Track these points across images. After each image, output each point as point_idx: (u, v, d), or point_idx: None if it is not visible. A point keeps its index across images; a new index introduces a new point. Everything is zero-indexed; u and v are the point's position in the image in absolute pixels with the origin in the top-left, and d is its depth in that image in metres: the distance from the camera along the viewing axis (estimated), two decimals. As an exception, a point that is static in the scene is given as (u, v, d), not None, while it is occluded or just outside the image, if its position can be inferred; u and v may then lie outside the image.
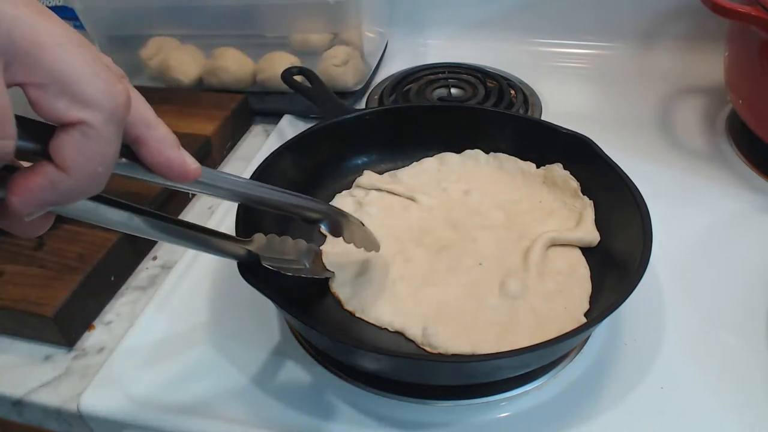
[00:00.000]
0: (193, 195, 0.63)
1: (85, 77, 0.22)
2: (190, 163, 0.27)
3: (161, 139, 0.26)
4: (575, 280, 0.47)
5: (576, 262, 0.49)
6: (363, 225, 0.46)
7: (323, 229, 0.43)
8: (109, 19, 0.75)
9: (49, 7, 0.82)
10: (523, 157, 0.57)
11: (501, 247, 0.50)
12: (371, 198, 0.56)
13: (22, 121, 0.22)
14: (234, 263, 0.41)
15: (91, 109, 0.22)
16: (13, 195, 0.22)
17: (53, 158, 0.22)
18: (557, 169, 0.54)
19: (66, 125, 0.22)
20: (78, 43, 0.22)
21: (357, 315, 0.46)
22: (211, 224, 0.58)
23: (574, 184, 0.53)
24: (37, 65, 0.21)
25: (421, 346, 0.43)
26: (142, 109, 0.25)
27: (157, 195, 0.56)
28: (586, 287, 0.47)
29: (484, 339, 0.43)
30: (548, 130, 0.56)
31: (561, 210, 0.53)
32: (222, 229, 0.57)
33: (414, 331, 0.44)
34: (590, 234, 0.50)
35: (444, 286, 0.47)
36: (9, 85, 0.21)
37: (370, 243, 0.46)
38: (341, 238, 0.44)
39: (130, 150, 0.27)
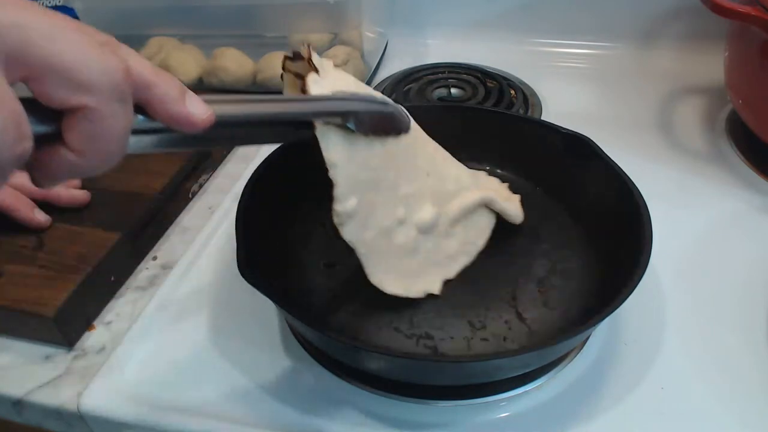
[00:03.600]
0: (194, 194, 0.63)
1: (78, 63, 0.22)
2: (197, 113, 0.27)
3: (162, 97, 0.25)
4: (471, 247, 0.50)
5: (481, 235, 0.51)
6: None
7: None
8: (109, 19, 0.75)
9: (49, 7, 0.82)
10: (524, 157, 0.57)
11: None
12: None
13: (34, 106, 0.22)
14: (234, 263, 0.41)
15: (90, 92, 0.22)
16: (36, 172, 0.23)
17: (66, 143, 0.23)
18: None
19: (70, 111, 0.23)
20: (68, 29, 0.22)
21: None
22: (210, 224, 0.58)
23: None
24: (31, 60, 0.21)
25: None
26: (139, 71, 0.25)
27: (155, 195, 0.56)
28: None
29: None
30: (548, 130, 0.56)
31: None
32: (222, 228, 0.58)
33: None
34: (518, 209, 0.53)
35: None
36: (12, 83, 0.21)
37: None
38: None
39: None
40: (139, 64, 0.25)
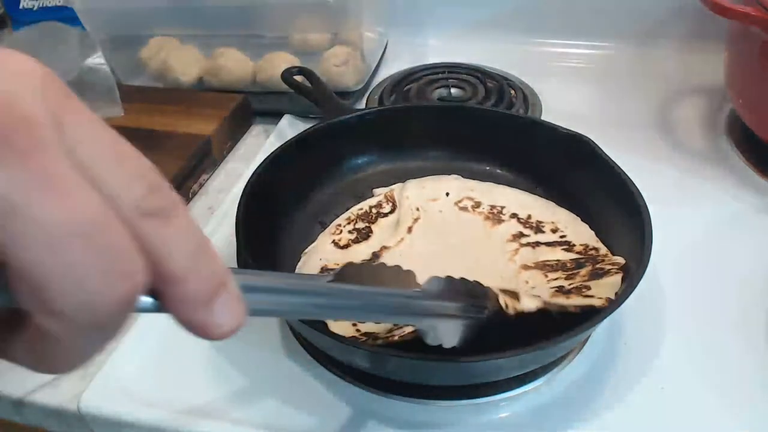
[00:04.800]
0: (194, 194, 0.63)
1: (65, 290, 0.16)
2: (221, 322, 0.20)
3: (184, 299, 0.19)
4: None
5: None
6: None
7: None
8: (109, 19, 0.75)
9: (49, 7, 0.81)
10: (524, 157, 0.57)
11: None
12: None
13: None
14: (234, 263, 0.41)
15: (64, 322, 0.17)
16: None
17: (27, 340, 0.19)
18: None
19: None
20: (86, 234, 0.16)
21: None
22: (210, 224, 0.58)
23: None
24: (13, 258, 0.16)
25: None
26: (172, 259, 0.18)
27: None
28: None
29: None
30: (548, 130, 0.56)
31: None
32: (223, 229, 0.57)
33: None
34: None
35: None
36: None
37: None
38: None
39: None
40: (178, 248, 0.18)
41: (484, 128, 0.59)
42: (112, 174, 0.17)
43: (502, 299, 0.37)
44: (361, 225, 0.53)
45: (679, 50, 0.80)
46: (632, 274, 0.42)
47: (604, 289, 0.44)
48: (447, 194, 0.56)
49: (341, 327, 0.43)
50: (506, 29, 0.84)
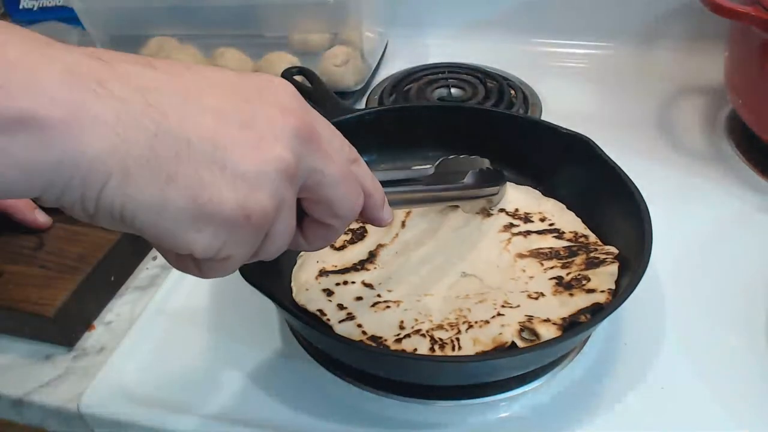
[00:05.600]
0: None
1: (343, 204, 0.30)
2: (387, 219, 0.35)
3: (373, 206, 0.34)
4: None
5: None
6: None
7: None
8: (109, 19, 0.75)
9: (49, 7, 0.81)
10: (524, 157, 0.57)
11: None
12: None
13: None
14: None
15: (339, 219, 0.31)
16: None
17: (302, 234, 0.32)
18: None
19: (321, 222, 0.31)
20: (347, 178, 0.30)
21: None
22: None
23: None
24: (315, 195, 0.29)
25: None
26: (365, 185, 0.33)
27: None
28: None
29: None
30: (548, 130, 0.56)
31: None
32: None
33: None
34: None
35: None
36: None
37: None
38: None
39: None
40: (366, 178, 0.33)
41: (484, 128, 0.59)
42: (335, 142, 0.31)
43: (519, 339, 0.42)
44: (354, 225, 0.53)
45: (679, 50, 0.80)
46: (632, 274, 0.42)
47: (602, 278, 0.45)
48: None
49: (349, 331, 0.43)
50: (506, 29, 0.84)
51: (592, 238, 0.50)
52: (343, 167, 0.30)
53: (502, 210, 0.54)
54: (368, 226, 0.53)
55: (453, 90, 0.75)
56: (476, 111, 0.62)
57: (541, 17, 0.83)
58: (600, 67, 0.80)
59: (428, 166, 0.50)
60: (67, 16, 0.74)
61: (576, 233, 0.51)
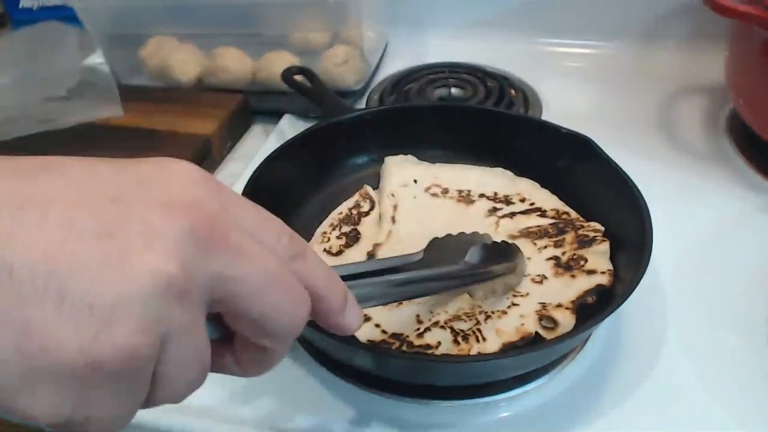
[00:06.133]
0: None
1: (274, 318, 0.23)
2: (353, 324, 0.28)
3: (328, 311, 0.27)
4: None
5: None
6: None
7: None
8: (109, 18, 0.75)
9: (49, 7, 0.81)
10: (524, 157, 0.57)
11: None
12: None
13: (214, 317, 0.24)
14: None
15: (275, 340, 0.25)
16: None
17: (235, 358, 0.26)
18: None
19: (250, 343, 0.25)
20: (275, 283, 0.23)
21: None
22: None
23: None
24: (233, 309, 0.23)
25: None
26: (315, 287, 0.26)
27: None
28: None
29: None
30: (548, 130, 0.56)
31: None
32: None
33: None
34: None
35: None
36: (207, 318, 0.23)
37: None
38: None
39: None
40: (317, 277, 0.26)
41: (484, 128, 0.59)
42: (265, 235, 0.24)
43: (541, 329, 0.43)
44: (346, 228, 0.53)
45: (680, 50, 0.80)
46: (632, 274, 0.42)
47: (598, 258, 0.47)
48: (415, 181, 0.57)
49: (369, 332, 0.43)
50: (506, 29, 0.84)
51: (573, 214, 0.53)
52: (273, 268, 0.23)
53: (482, 195, 0.55)
54: (359, 227, 0.53)
55: (453, 90, 0.74)
56: (476, 111, 0.62)
57: (541, 17, 0.83)
58: (600, 67, 0.80)
59: (415, 252, 0.42)
60: (67, 15, 0.74)
61: (557, 210, 0.53)
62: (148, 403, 0.22)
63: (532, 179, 0.57)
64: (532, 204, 0.54)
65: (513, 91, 0.74)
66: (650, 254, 0.42)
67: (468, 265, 0.42)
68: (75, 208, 0.20)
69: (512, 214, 0.53)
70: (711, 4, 0.56)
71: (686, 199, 0.59)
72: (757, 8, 0.54)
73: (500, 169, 0.58)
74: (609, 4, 0.80)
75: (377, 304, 0.35)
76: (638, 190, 0.48)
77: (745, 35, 0.60)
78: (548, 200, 0.54)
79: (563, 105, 0.73)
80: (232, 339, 0.26)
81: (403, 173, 0.57)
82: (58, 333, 0.18)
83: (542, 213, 0.53)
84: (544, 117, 0.70)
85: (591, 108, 0.74)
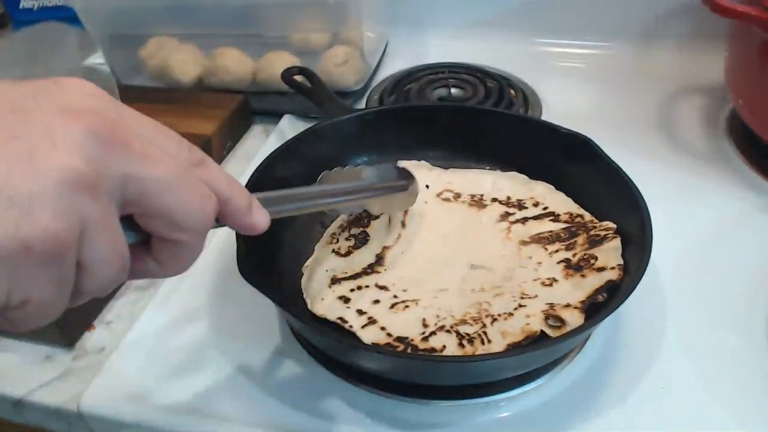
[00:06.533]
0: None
1: (183, 212, 0.26)
2: (259, 222, 0.31)
3: (234, 212, 0.29)
4: None
5: None
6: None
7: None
8: (109, 19, 0.75)
9: (49, 7, 0.81)
10: (524, 157, 0.57)
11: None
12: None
13: (130, 224, 0.26)
14: (234, 263, 0.41)
15: (187, 232, 0.27)
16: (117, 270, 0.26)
17: (153, 256, 0.28)
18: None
19: (167, 239, 0.27)
20: (180, 181, 0.26)
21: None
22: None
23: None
24: (144, 207, 0.25)
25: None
26: (219, 189, 0.28)
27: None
28: None
29: None
30: (548, 130, 0.56)
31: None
32: (222, 229, 0.57)
33: None
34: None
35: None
36: (121, 218, 0.25)
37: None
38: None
39: None
40: (219, 181, 0.28)
41: (484, 128, 0.59)
42: (166, 143, 0.27)
43: (547, 327, 0.42)
44: (355, 230, 0.53)
45: (679, 50, 0.80)
46: (632, 274, 0.42)
47: (608, 255, 0.46)
48: (427, 186, 0.57)
49: (374, 335, 0.43)
50: (506, 29, 0.84)
51: (588, 217, 0.52)
52: (177, 169, 0.26)
53: (495, 199, 0.55)
54: (368, 230, 0.53)
55: (453, 90, 0.75)
56: (476, 111, 0.62)
57: (541, 17, 0.83)
58: (600, 67, 0.80)
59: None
60: (67, 15, 0.74)
61: (571, 214, 0.52)
62: (77, 295, 0.25)
63: (531, 179, 0.57)
64: (545, 209, 0.53)
65: (513, 92, 0.74)
66: (650, 254, 0.42)
67: (365, 182, 0.47)
68: None
69: (524, 219, 0.52)
70: (710, 5, 0.56)
71: (686, 199, 0.59)
72: (756, 8, 0.54)
73: (515, 173, 0.57)
74: (609, 4, 0.80)
75: (283, 210, 0.36)
76: (638, 190, 0.48)
77: (744, 35, 0.60)
78: (562, 204, 0.54)
79: (563, 105, 0.73)
80: (148, 243, 0.27)
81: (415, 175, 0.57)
82: None
83: (555, 218, 0.52)
84: (544, 117, 0.70)
85: (591, 108, 0.74)
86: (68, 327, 0.48)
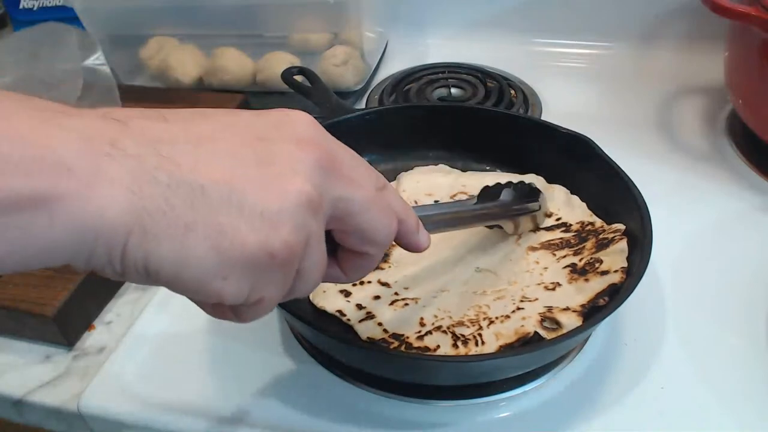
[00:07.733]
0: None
1: (376, 229, 0.30)
2: (423, 243, 0.35)
3: (407, 231, 0.33)
4: None
5: None
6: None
7: None
8: (109, 19, 0.75)
9: (49, 7, 0.81)
10: (524, 157, 0.57)
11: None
12: None
13: (326, 237, 0.29)
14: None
15: (375, 246, 0.31)
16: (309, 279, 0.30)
17: (340, 265, 0.32)
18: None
19: (355, 251, 0.31)
20: (375, 203, 0.30)
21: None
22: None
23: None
24: (346, 223, 0.29)
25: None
26: (398, 211, 0.32)
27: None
28: None
29: None
30: (548, 130, 0.56)
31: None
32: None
33: None
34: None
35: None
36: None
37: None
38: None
39: None
40: (397, 204, 0.33)
41: (484, 128, 0.59)
42: (361, 170, 0.30)
43: (542, 329, 0.43)
44: None
45: (679, 50, 0.80)
46: (632, 274, 0.42)
47: (614, 258, 0.46)
48: (441, 189, 0.56)
49: (370, 329, 0.43)
50: (506, 29, 0.84)
51: (598, 223, 0.51)
52: (371, 193, 0.30)
53: None
54: None
55: (453, 90, 0.75)
56: (476, 111, 0.62)
57: (541, 17, 0.83)
58: (600, 67, 0.80)
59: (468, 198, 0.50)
60: (67, 16, 0.74)
61: (583, 223, 0.52)
62: (289, 293, 0.29)
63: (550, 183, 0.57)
64: (558, 219, 0.53)
65: (513, 91, 0.74)
66: (650, 254, 0.42)
67: (502, 203, 0.49)
68: (235, 144, 0.26)
69: (536, 229, 0.52)
70: (710, 5, 0.56)
71: (685, 198, 0.59)
72: (756, 8, 0.54)
73: (532, 175, 0.56)
74: (609, 4, 0.80)
75: (439, 231, 0.42)
76: (638, 189, 0.48)
77: (744, 36, 0.60)
78: (575, 211, 0.53)
79: (563, 105, 0.73)
80: (335, 253, 0.32)
81: (430, 181, 0.57)
82: (243, 232, 0.25)
83: (567, 228, 0.51)
84: (544, 117, 0.70)
85: (591, 108, 0.74)
86: (68, 327, 0.48)
